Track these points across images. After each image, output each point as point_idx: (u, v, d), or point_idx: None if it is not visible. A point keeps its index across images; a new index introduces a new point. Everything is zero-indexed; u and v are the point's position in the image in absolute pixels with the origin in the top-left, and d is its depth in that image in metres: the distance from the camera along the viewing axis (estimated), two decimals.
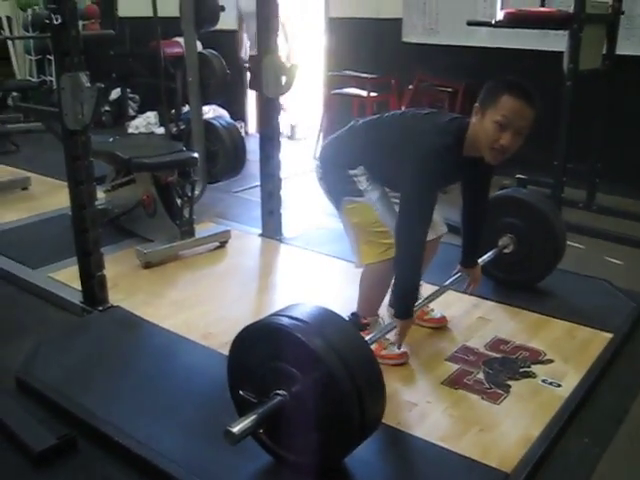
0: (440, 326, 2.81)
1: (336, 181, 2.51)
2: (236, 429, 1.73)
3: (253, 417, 1.78)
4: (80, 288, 2.96)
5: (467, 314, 2.93)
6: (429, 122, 2.36)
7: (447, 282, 2.69)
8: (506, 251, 3.04)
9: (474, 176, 2.49)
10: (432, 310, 2.82)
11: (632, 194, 4.68)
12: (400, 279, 2.34)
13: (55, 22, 2.55)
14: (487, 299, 3.06)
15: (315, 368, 1.77)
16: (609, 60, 4.29)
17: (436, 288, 2.67)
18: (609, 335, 2.74)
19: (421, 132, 2.30)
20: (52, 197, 4.47)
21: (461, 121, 2.34)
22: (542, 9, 4.29)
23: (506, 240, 3.05)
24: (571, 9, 3.88)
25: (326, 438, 1.82)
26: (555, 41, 4.49)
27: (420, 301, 2.50)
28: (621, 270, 3.57)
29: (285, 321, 1.86)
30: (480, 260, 2.80)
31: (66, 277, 3.19)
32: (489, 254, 2.93)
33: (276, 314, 1.92)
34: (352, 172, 2.46)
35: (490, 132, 2.17)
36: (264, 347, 1.87)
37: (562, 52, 3.96)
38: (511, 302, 3.02)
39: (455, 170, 2.35)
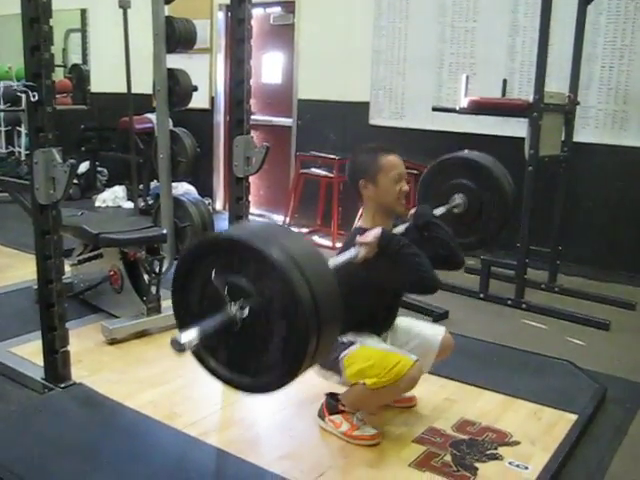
0: (409, 405, 2.81)
1: None
2: (184, 339, 1.66)
3: (204, 326, 1.70)
4: (42, 364, 2.89)
5: (433, 395, 2.92)
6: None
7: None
8: (456, 210, 3.00)
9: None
10: None
11: (592, 275, 4.80)
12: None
13: (32, 99, 2.59)
14: (453, 380, 3.07)
15: (271, 279, 1.69)
16: (567, 147, 4.48)
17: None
18: (574, 416, 2.76)
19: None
20: (16, 270, 4.41)
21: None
22: (503, 99, 4.49)
23: (457, 199, 3.02)
24: (531, 98, 4.08)
25: (280, 355, 1.73)
26: (515, 127, 4.69)
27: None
28: (583, 351, 3.63)
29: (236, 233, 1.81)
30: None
31: (28, 352, 3.12)
32: (440, 208, 2.89)
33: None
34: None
35: (391, 189, 2.47)
36: (211, 263, 1.78)
37: (522, 138, 4.13)
38: (476, 383, 3.04)
39: None
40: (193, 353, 1.84)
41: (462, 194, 3.04)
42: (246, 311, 1.73)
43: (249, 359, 1.80)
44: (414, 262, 2.34)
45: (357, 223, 2.57)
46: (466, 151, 3.22)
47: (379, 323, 2.66)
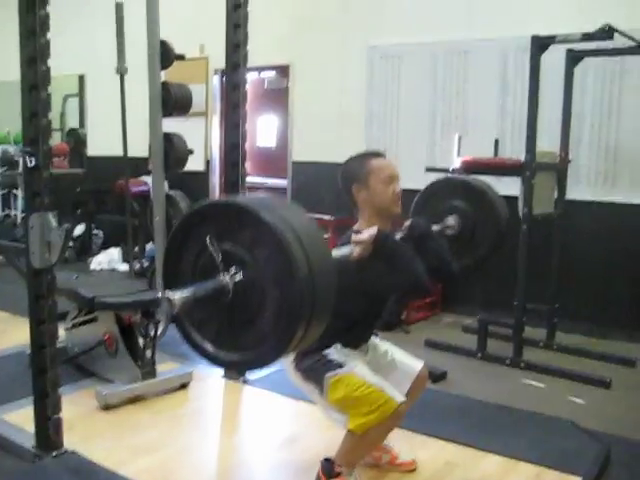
0: (409, 469, 2.74)
1: (312, 364, 2.45)
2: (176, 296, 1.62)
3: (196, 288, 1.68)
4: (33, 431, 2.82)
5: (433, 458, 2.86)
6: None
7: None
8: (449, 232, 3.00)
9: None
10: (399, 453, 2.76)
11: (591, 332, 4.78)
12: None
13: (29, 164, 2.60)
14: (452, 442, 3.01)
15: (269, 248, 1.66)
16: (560, 204, 4.52)
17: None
18: (578, 479, 2.70)
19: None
20: (9, 333, 4.36)
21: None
22: (496, 158, 4.54)
23: (451, 220, 3.02)
24: (523, 157, 4.13)
25: (270, 329, 1.68)
26: (509, 185, 4.72)
27: None
28: (584, 410, 3.57)
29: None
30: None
31: (19, 419, 3.05)
32: (433, 227, 2.85)
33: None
34: (326, 352, 2.45)
35: (384, 190, 2.48)
36: (207, 230, 1.75)
37: (515, 196, 4.16)
38: (477, 445, 2.98)
39: None
40: (180, 328, 1.81)
41: (455, 216, 3.06)
42: (239, 276, 1.70)
43: (237, 334, 1.75)
44: (409, 263, 2.33)
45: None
46: (458, 174, 3.26)
47: (360, 330, 2.61)
